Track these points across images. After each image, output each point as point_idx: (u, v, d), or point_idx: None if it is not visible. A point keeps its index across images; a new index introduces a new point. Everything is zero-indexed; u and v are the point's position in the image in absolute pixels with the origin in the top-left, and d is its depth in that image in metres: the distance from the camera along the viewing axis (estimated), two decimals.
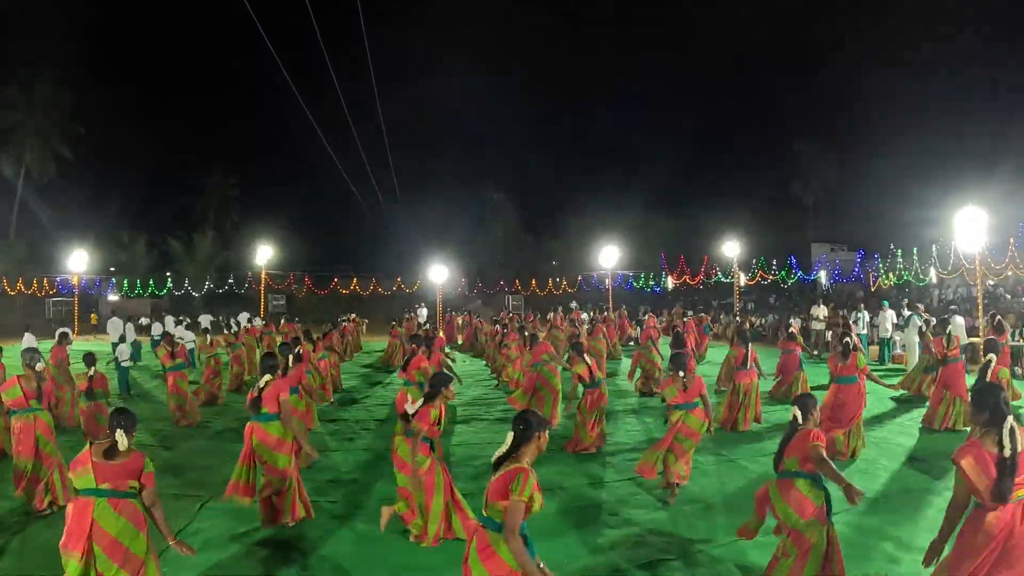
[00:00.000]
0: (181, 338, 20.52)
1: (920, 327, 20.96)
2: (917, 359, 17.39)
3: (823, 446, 5.70)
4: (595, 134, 60.78)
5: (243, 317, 30.29)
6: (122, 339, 19.70)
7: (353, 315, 32.01)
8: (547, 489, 8.67)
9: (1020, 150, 44.37)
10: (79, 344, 21.53)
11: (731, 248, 34.01)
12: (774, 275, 44.04)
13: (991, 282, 35.84)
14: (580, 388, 11.47)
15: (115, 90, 59.96)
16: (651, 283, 51.03)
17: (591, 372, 10.98)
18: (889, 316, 22.97)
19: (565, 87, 64.10)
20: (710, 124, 74.09)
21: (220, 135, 69.98)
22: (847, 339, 10.94)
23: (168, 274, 51.91)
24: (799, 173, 60.91)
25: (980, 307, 22.59)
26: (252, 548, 7.19)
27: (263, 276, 37.71)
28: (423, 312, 39.08)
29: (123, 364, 17.55)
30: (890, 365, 21.69)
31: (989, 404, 4.71)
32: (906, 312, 23.17)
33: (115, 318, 25.54)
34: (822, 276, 47.26)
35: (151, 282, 50.44)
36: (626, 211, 54.72)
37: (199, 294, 51.05)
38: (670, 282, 49.99)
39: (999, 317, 16.83)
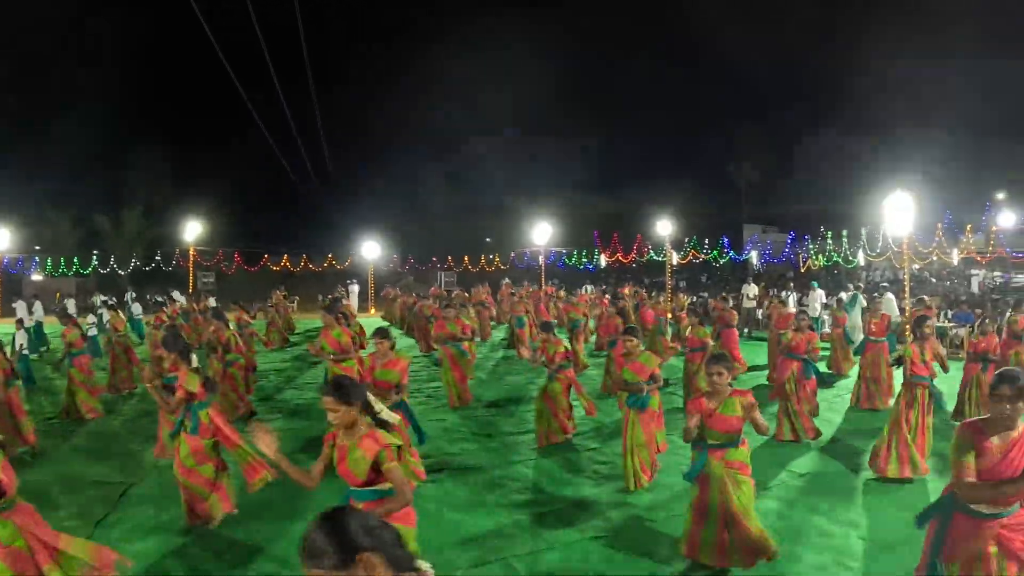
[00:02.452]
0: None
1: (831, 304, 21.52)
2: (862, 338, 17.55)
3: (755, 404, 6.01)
4: (532, 111, 60.48)
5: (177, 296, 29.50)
6: (20, 323, 18.35)
7: (280, 290, 30.02)
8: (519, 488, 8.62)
9: (947, 137, 45.34)
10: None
11: (664, 227, 34.02)
12: (706, 255, 44.34)
13: (917, 266, 36.60)
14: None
15: (42, 62, 57.78)
16: (584, 261, 51.06)
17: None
18: (818, 296, 23.26)
19: (501, 64, 63.67)
20: (647, 104, 74.14)
21: (150, 108, 67.95)
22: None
23: (95, 252, 50.17)
24: (734, 155, 61.64)
25: (907, 290, 22.86)
26: (174, 536, 6.99)
27: (191, 253, 36.61)
28: (354, 289, 38.53)
29: (23, 352, 16.48)
30: (819, 344, 21.90)
31: None
32: (846, 293, 23.54)
33: (21, 300, 24.64)
34: (753, 256, 47.78)
35: (75, 260, 48.76)
36: (562, 189, 54.78)
37: (125, 272, 49.55)
38: (603, 260, 50.05)
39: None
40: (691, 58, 70.68)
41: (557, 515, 7.44)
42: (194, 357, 7.74)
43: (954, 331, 20.33)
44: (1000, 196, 43.13)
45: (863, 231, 36.21)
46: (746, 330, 24.68)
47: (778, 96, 66.48)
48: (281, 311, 25.38)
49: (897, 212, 21.32)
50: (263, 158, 54.79)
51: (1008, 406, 4.05)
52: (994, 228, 34.78)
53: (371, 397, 4.57)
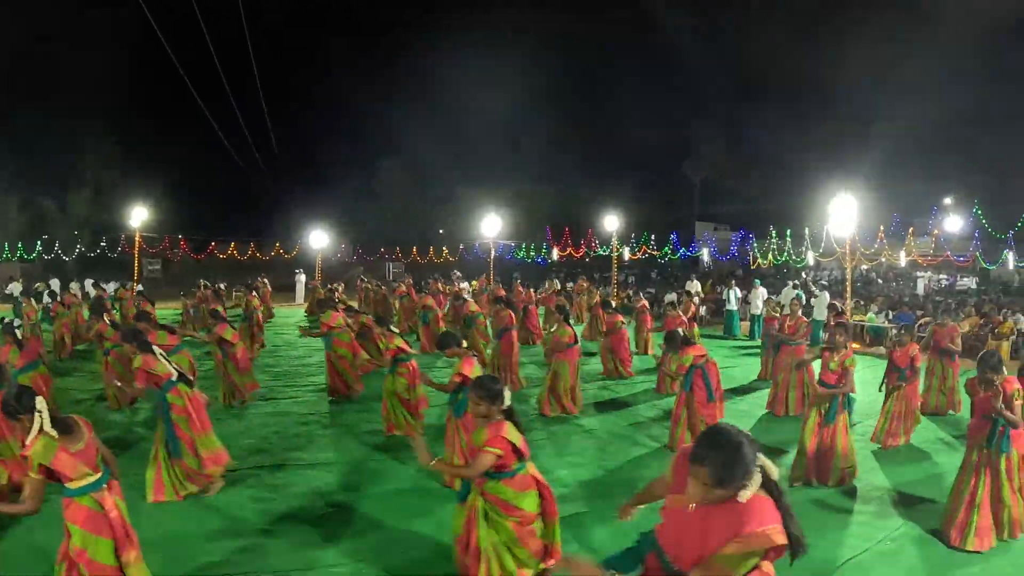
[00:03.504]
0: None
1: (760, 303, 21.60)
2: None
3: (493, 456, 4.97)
4: (486, 102, 59.99)
5: (87, 283, 28.73)
6: None
7: (203, 281, 28.60)
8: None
9: (898, 141, 45.66)
10: None
11: (611, 222, 33.92)
12: (654, 251, 44.23)
13: (865, 267, 36.86)
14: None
15: None
16: (532, 254, 50.85)
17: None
18: (761, 294, 23.28)
19: (454, 52, 63.13)
20: (603, 100, 74.00)
21: (100, 90, 66.37)
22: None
23: (44, 236, 48.90)
24: (688, 153, 61.74)
25: (849, 290, 23.02)
26: None
27: (137, 239, 35.72)
28: (301, 279, 37.98)
29: None
30: (759, 341, 21.78)
31: None
32: (792, 290, 23.61)
33: None
34: (704, 253, 47.92)
35: (20, 245, 47.44)
36: (515, 182, 54.43)
37: (70, 258, 48.41)
38: (555, 253, 49.88)
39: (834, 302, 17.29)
40: (647, 57, 70.63)
41: (336, 524, 7.13)
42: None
43: (894, 331, 20.31)
44: (947, 201, 43.55)
45: (807, 231, 36.25)
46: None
47: (732, 95, 66.54)
48: (207, 304, 24.75)
49: (841, 213, 21.58)
50: (212, 144, 53.84)
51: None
52: (936, 232, 35.04)
53: (40, 404, 4.60)
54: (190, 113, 59.32)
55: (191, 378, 7.96)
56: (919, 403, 11.10)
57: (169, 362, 7.73)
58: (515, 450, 5.02)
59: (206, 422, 7.76)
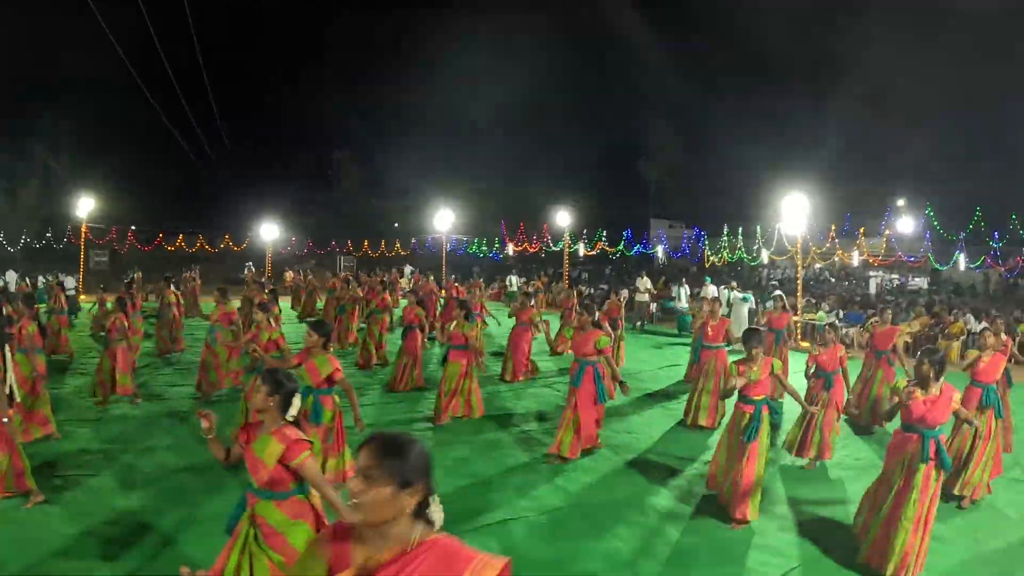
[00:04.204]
0: None
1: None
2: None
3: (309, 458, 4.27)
4: (441, 97, 59.47)
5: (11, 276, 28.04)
6: None
7: (137, 272, 27.89)
8: None
9: (851, 141, 45.91)
10: None
11: (563, 218, 33.73)
12: (608, 248, 44.00)
13: (819, 265, 36.99)
14: None
15: None
16: (483, 248, 50.49)
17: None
18: (710, 292, 23.15)
19: (409, 46, 62.48)
20: (560, 98, 73.71)
21: (50, 80, 64.84)
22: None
23: None
24: (645, 151, 61.74)
25: (800, 288, 22.97)
26: None
27: (83, 230, 34.76)
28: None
29: None
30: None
31: None
32: (731, 291, 23.44)
33: None
34: (659, 251, 47.89)
35: None
36: (470, 176, 54.14)
37: (15, 249, 47.17)
38: (510, 248, 49.54)
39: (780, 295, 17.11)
40: (603, 56, 70.39)
41: (136, 547, 6.48)
42: None
43: (844, 330, 20.36)
44: (900, 203, 43.83)
45: (758, 229, 36.23)
46: (638, 324, 24.37)
47: (688, 94, 66.64)
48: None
49: (792, 212, 21.57)
50: (162, 136, 52.92)
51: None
52: (887, 232, 35.23)
53: None
54: (141, 105, 58.37)
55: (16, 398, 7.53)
56: (840, 412, 10.00)
57: (6, 380, 7.14)
58: None
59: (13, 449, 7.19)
